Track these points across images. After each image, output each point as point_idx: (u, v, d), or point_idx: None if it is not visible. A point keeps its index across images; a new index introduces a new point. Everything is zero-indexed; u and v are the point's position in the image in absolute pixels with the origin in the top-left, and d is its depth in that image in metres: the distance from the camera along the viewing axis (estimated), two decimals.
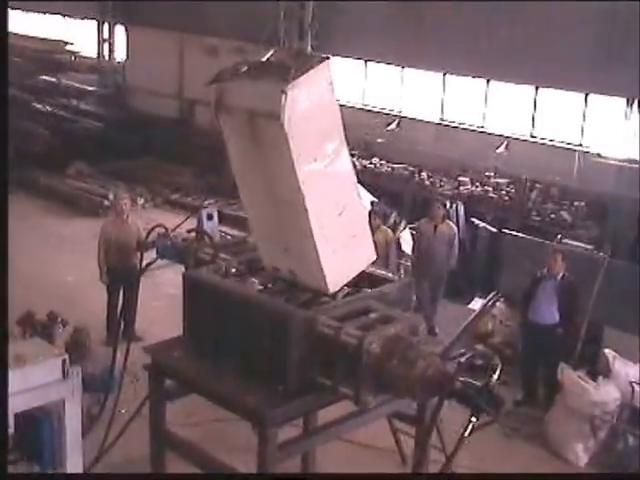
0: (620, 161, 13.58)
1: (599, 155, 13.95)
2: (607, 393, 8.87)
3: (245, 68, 5.65)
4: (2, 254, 5.46)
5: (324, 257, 5.96)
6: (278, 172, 5.68)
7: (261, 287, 6.41)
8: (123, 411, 8.00)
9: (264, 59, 5.68)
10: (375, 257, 6.49)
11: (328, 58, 5.47)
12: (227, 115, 5.79)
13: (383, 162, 16.51)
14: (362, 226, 6.33)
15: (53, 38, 22.34)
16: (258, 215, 6.26)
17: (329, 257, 5.98)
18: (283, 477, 5.84)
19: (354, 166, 5.92)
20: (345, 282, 6.31)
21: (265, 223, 6.22)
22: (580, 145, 14.38)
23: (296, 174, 5.56)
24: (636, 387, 9.00)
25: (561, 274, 9.74)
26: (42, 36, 22.60)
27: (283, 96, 5.23)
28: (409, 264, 12.47)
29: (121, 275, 10.61)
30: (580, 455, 8.92)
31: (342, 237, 6.05)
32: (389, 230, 11.92)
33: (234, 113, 5.73)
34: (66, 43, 21.81)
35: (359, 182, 6.33)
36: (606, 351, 9.47)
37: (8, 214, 5.67)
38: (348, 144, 5.88)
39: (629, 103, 13.51)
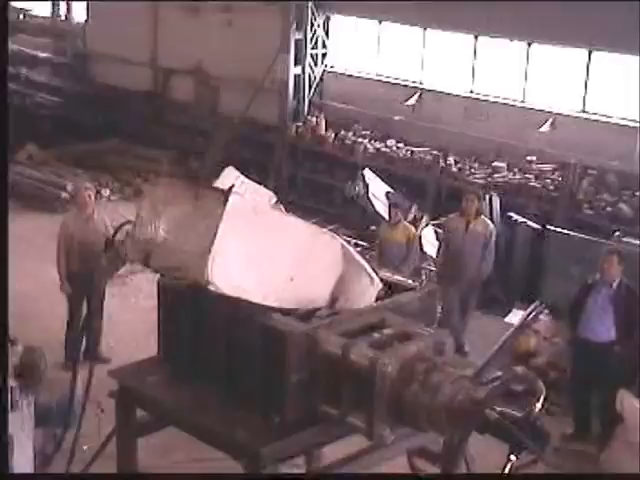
0: None
1: None
2: None
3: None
4: (2, 256, 5.81)
5: None
6: None
7: None
8: (85, 448, 8.01)
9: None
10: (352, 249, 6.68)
11: (229, 190, 5.91)
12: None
13: (401, 144, 16.54)
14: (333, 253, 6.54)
15: None
16: None
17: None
18: (283, 477, 5.93)
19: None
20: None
21: None
22: None
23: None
24: None
25: (617, 280, 9.73)
26: None
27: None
28: (433, 268, 12.48)
29: (84, 283, 10.62)
30: None
31: None
32: (411, 226, 11.92)
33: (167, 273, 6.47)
34: None
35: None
36: None
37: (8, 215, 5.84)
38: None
39: None
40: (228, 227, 5.78)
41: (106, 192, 17.02)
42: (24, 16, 21.68)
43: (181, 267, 6.01)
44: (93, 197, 11.15)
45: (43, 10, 22.77)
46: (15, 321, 10.49)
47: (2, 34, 6.79)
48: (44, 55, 22.17)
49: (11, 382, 5.40)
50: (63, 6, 22.85)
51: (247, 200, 6.14)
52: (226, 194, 5.85)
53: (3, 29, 6.89)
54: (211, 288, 5.79)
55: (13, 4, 21.65)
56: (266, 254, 6.01)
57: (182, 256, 5.94)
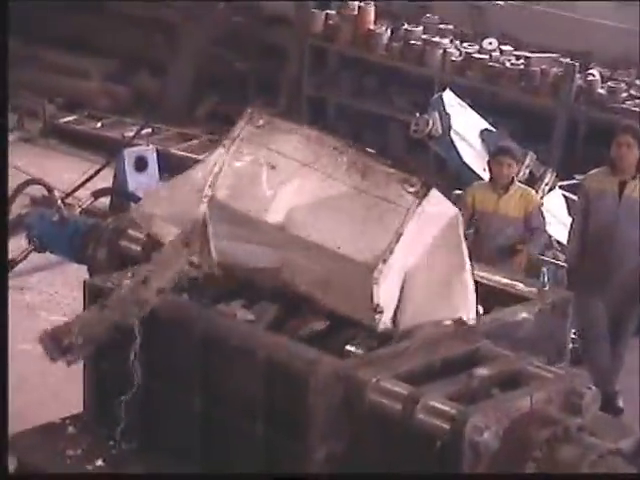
0: None
1: None
2: None
3: None
4: (2, 258, 6.87)
5: None
6: None
7: (252, 316, 6.57)
8: None
9: None
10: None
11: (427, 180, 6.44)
12: None
13: (507, 47, 16.53)
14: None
15: None
16: None
17: None
18: (283, 477, 6.17)
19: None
20: None
21: None
22: None
23: None
24: None
25: None
26: None
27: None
28: (561, 262, 12.47)
29: None
30: None
31: None
32: (533, 192, 11.87)
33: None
34: None
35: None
36: None
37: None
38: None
39: None
40: (411, 235, 6.18)
41: None
42: None
43: (331, 286, 6.38)
44: None
45: None
46: None
47: (2, 34, 8.15)
48: None
49: None
50: None
51: (450, 206, 6.47)
52: (424, 185, 6.17)
53: (3, 29, 8.24)
54: (380, 326, 6.25)
55: None
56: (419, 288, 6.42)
57: (339, 264, 6.26)
